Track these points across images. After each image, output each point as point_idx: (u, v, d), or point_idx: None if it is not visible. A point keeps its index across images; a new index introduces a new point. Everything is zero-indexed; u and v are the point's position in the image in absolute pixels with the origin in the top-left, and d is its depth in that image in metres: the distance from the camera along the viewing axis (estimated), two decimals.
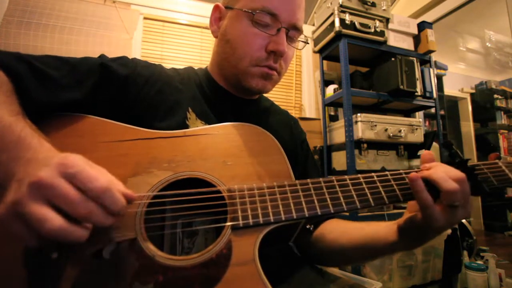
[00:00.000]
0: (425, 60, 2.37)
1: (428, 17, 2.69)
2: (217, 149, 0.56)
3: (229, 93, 0.75)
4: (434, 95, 2.32)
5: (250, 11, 0.64)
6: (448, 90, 4.46)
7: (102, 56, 0.65)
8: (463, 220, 2.10)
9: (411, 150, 2.14)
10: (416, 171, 0.54)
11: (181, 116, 0.65)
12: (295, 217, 0.48)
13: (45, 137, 0.43)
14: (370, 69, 2.39)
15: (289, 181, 0.53)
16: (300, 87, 2.70)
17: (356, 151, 1.97)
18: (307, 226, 0.72)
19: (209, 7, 0.73)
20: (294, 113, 2.59)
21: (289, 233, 0.59)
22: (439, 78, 4.04)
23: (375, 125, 1.98)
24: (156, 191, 0.48)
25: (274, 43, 0.64)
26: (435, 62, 3.21)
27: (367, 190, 0.52)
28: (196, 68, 0.80)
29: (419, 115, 2.78)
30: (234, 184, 0.51)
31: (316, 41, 2.39)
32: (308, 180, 0.52)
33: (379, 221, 0.65)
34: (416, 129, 2.13)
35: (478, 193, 0.52)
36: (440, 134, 2.56)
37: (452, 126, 4.77)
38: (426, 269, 1.96)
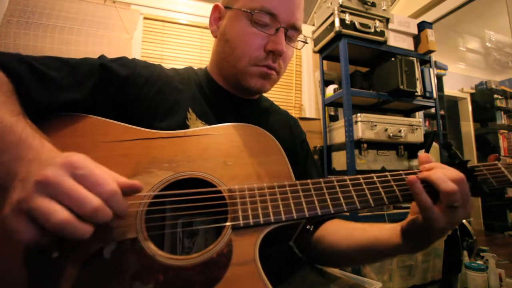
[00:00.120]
0: (425, 60, 2.37)
1: (428, 17, 2.69)
2: (217, 149, 0.56)
3: (229, 93, 0.75)
4: (434, 95, 2.32)
5: (249, 11, 0.64)
6: (448, 90, 4.46)
7: (102, 57, 0.65)
8: (463, 220, 2.10)
9: (411, 150, 2.14)
10: (416, 172, 0.55)
11: (181, 116, 0.65)
12: (295, 217, 0.48)
13: (46, 137, 0.43)
14: (370, 69, 2.39)
15: (289, 181, 0.53)
16: (300, 87, 2.70)
17: (356, 151, 1.97)
18: (307, 227, 0.72)
19: (209, 7, 0.73)
20: (294, 113, 2.59)
21: (289, 233, 0.59)
22: (439, 78, 4.04)
23: (375, 125, 1.98)
24: (157, 191, 0.48)
25: (273, 42, 0.65)
26: (435, 62, 3.21)
27: (367, 191, 0.53)
28: (196, 68, 0.80)
29: (419, 115, 2.78)
30: (234, 184, 0.51)
31: (316, 41, 2.39)
32: (309, 181, 0.53)
33: (382, 223, 0.64)
34: (416, 129, 2.13)
35: (478, 194, 0.53)
36: (440, 134, 2.56)
37: (452, 126, 4.77)
38: (426, 269, 1.96)
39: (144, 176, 0.49)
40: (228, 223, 0.47)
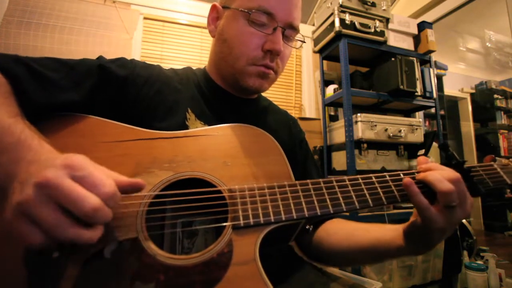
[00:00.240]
0: (425, 60, 2.37)
1: (428, 17, 2.69)
2: (217, 150, 0.56)
3: (227, 92, 0.75)
4: (434, 95, 2.32)
5: (246, 10, 0.64)
6: (448, 90, 4.47)
7: (100, 58, 0.65)
8: (463, 220, 2.10)
9: (411, 150, 2.14)
10: (414, 173, 0.55)
11: (180, 116, 0.65)
12: (295, 217, 0.48)
13: (45, 138, 0.43)
14: (370, 69, 2.39)
15: (289, 181, 0.53)
16: (300, 87, 2.70)
17: (356, 151, 1.97)
18: (307, 227, 0.72)
19: (209, 7, 0.73)
20: (294, 113, 2.59)
21: (289, 234, 0.60)
22: (439, 78, 4.04)
23: (375, 125, 1.98)
24: (157, 191, 0.48)
25: (271, 42, 0.65)
26: (435, 62, 3.21)
27: (366, 191, 0.53)
28: (194, 68, 0.81)
29: (419, 115, 2.78)
30: (234, 184, 0.51)
31: (316, 41, 2.39)
32: (308, 181, 0.53)
33: (385, 224, 0.65)
34: (416, 129, 2.13)
35: (474, 194, 0.53)
36: (440, 134, 2.56)
37: (452, 126, 4.77)
38: (426, 269, 1.96)
39: (144, 176, 0.49)
40: (228, 223, 0.47)
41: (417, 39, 2.35)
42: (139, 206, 0.45)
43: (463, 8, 2.59)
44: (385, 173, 0.56)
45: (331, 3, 2.14)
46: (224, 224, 0.47)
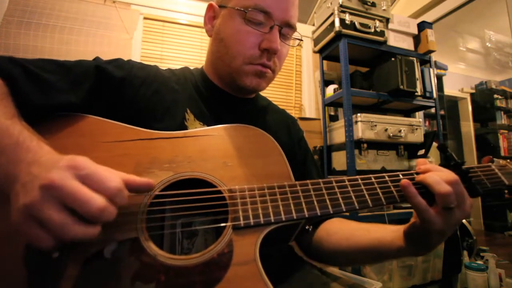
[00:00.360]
0: (425, 60, 2.37)
1: (428, 17, 2.69)
2: (217, 150, 0.56)
3: (225, 92, 0.74)
4: (434, 95, 2.32)
5: (242, 9, 0.64)
6: (448, 90, 4.46)
7: (97, 59, 0.65)
8: (463, 220, 2.10)
9: (411, 150, 2.14)
10: (413, 173, 0.56)
11: (179, 117, 0.65)
12: (295, 217, 0.48)
13: (43, 139, 0.43)
14: (370, 69, 2.39)
15: (289, 182, 0.53)
16: (300, 87, 2.70)
17: (356, 151, 1.97)
18: (306, 227, 0.72)
19: None
20: (294, 113, 2.59)
21: (289, 234, 0.60)
22: (439, 78, 4.04)
23: (375, 125, 1.98)
24: (157, 191, 0.48)
25: (267, 41, 0.64)
26: (435, 62, 3.21)
27: (365, 191, 0.53)
28: (192, 68, 0.80)
29: (419, 115, 2.78)
30: (234, 184, 0.51)
31: (316, 41, 2.39)
32: (308, 181, 0.53)
33: (385, 224, 0.65)
34: (416, 129, 2.13)
35: (473, 195, 0.53)
36: (440, 134, 2.56)
37: (452, 126, 4.77)
38: (426, 269, 1.96)
39: (144, 176, 0.49)
40: (229, 223, 0.47)
41: (417, 39, 2.35)
42: (139, 207, 0.45)
43: (463, 8, 2.59)
44: (384, 174, 0.56)
45: (331, 3, 2.14)
46: (224, 224, 0.47)
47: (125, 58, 0.70)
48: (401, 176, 0.55)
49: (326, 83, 2.47)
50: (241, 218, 0.47)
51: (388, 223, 1.70)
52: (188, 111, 0.67)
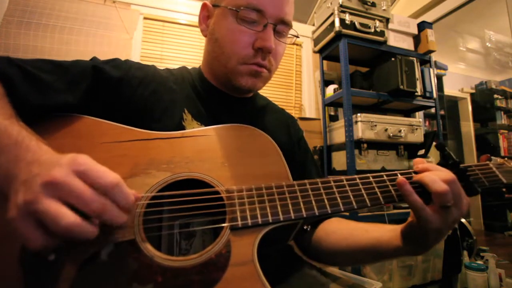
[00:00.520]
0: (425, 60, 2.37)
1: (428, 17, 2.69)
2: (215, 150, 0.56)
3: (222, 92, 0.74)
4: (434, 95, 2.32)
5: (234, 8, 0.63)
6: (448, 90, 4.46)
7: (94, 59, 0.65)
8: (463, 220, 2.10)
9: (411, 150, 2.14)
10: (410, 172, 0.56)
11: (177, 117, 0.65)
12: (293, 217, 0.48)
13: (42, 139, 0.43)
14: (370, 69, 2.39)
15: (287, 182, 0.53)
16: (300, 87, 2.70)
17: (356, 151, 1.97)
18: (304, 227, 0.72)
19: None
20: (294, 113, 2.59)
21: (287, 234, 0.60)
22: (439, 78, 4.04)
23: (375, 125, 1.98)
24: (155, 192, 0.48)
25: (261, 39, 0.63)
26: (435, 62, 3.21)
27: (363, 191, 0.53)
28: (189, 67, 0.80)
29: (419, 115, 2.78)
30: (232, 185, 0.51)
31: (316, 41, 2.39)
32: (306, 181, 0.53)
33: (384, 224, 0.65)
34: (416, 129, 2.13)
35: (470, 194, 0.53)
36: (440, 134, 2.56)
37: (452, 126, 4.77)
38: (426, 269, 1.96)
39: (142, 177, 0.49)
40: (226, 224, 0.47)
41: (417, 39, 2.35)
42: (136, 208, 0.45)
43: (463, 8, 2.59)
44: (382, 173, 0.56)
45: (331, 3, 2.14)
46: (222, 225, 0.47)
47: (125, 58, 0.70)
48: (399, 176, 0.55)
49: (326, 83, 2.47)
50: (239, 219, 0.47)
51: (388, 223, 1.70)
52: (186, 111, 0.67)
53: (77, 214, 0.34)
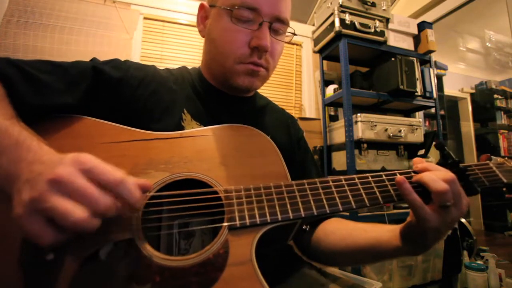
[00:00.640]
0: (425, 60, 2.37)
1: (428, 17, 2.69)
2: (213, 150, 0.56)
3: (221, 92, 0.74)
4: (434, 95, 2.32)
5: (229, 8, 0.63)
6: (448, 90, 4.46)
7: (93, 59, 0.65)
8: (463, 220, 2.10)
9: (411, 150, 2.14)
10: (410, 172, 0.56)
11: (176, 117, 0.65)
12: (291, 217, 0.48)
13: (42, 140, 0.43)
14: (370, 69, 2.39)
15: (285, 181, 0.53)
16: (300, 87, 2.70)
17: (356, 151, 1.97)
18: (303, 227, 0.72)
19: None
20: (294, 113, 2.59)
21: (285, 234, 0.60)
22: (439, 78, 4.03)
23: (375, 125, 1.98)
24: (153, 192, 0.48)
25: (256, 38, 0.63)
26: (435, 62, 3.21)
27: (362, 191, 0.53)
28: (189, 67, 0.80)
29: (419, 115, 2.78)
30: (230, 185, 0.51)
31: (316, 41, 2.38)
32: (305, 181, 0.53)
33: (383, 224, 0.65)
34: (416, 129, 2.13)
35: (470, 193, 0.53)
36: (440, 134, 2.56)
37: (452, 126, 4.77)
38: (426, 269, 1.96)
39: (141, 177, 0.49)
40: (224, 224, 0.47)
41: (417, 39, 2.34)
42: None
43: (463, 8, 2.58)
44: (381, 173, 0.56)
45: (331, 3, 2.14)
46: (220, 224, 0.47)
47: (125, 58, 0.70)
48: (398, 175, 0.55)
49: (326, 83, 2.46)
50: (237, 218, 0.47)
51: (388, 223, 1.70)
52: (185, 111, 0.67)
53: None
